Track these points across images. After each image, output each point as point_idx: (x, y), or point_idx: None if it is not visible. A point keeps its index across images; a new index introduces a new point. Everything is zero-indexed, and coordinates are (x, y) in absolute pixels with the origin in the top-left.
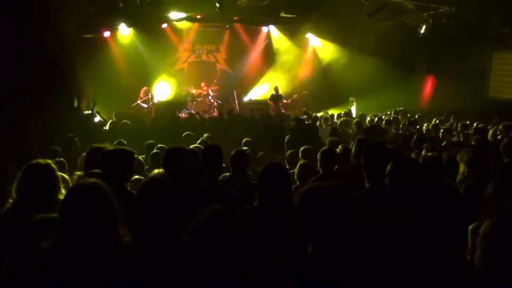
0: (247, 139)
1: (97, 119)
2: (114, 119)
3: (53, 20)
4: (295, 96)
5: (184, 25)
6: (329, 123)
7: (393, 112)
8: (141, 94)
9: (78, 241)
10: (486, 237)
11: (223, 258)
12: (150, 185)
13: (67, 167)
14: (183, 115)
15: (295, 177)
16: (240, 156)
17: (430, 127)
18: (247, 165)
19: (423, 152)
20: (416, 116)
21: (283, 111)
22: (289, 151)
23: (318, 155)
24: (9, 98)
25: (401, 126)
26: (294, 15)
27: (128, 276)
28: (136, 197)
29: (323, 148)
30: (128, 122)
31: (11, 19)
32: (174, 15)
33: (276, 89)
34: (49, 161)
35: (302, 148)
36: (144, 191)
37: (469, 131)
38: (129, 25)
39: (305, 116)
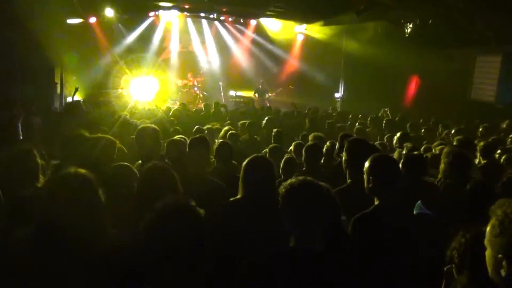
0: (233, 131)
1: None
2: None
3: (37, 3)
4: (280, 89)
5: (172, 14)
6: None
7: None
8: (122, 82)
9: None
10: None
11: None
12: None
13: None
14: (168, 105)
15: (280, 171)
16: (224, 148)
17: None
18: (231, 157)
19: (404, 150)
20: (398, 117)
21: (268, 104)
22: (272, 145)
23: (303, 150)
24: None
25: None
26: (282, 9)
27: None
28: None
29: (308, 143)
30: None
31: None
32: (162, 3)
33: (262, 83)
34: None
35: (295, 142)
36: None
37: (451, 131)
38: (116, 12)
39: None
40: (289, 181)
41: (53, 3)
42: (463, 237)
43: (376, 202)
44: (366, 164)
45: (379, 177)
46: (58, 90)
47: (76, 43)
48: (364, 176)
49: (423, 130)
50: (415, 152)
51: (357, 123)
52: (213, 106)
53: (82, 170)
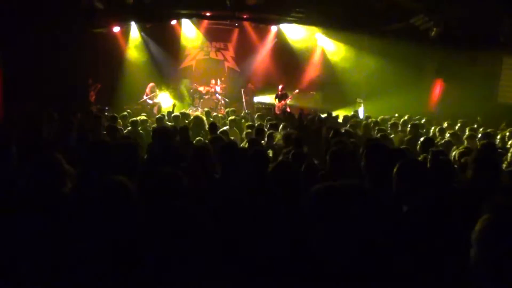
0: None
1: None
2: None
3: (65, 16)
4: (296, 91)
5: (193, 22)
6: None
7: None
8: (147, 90)
9: None
10: (481, 233)
11: None
12: None
13: None
14: (190, 112)
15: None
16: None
17: (437, 130)
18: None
19: (429, 155)
20: (423, 121)
21: (288, 109)
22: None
23: (327, 155)
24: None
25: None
26: (303, 15)
27: None
28: None
29: (332, 148)
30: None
31: (30, 17)
32: (183, 11)
33: (281, 88)
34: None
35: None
36: None
37: (478, 135)
38: (139, 21)
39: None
40: (316, 187)
41: (80, 14)
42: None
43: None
44: (394, 169)
45: (405, 182)
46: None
47: (101, 52)
48: (393, 180)
49: (448, 134)
50: (441, 157)
51: (376, 130)
52: (229, 113)
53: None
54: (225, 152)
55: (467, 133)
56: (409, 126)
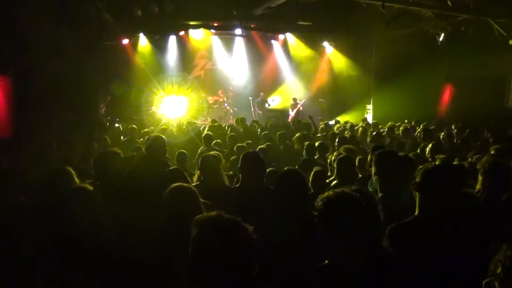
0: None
1: None
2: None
3: (77, 29)
4: (303, 100)
5: (201, 32)
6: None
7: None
8: (156, 102)
9: None
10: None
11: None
12: None
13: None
14: (199, 122)
15: (310, 184)
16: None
17: (446, 136)
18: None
19: (437, 162)
20: (433, 127)
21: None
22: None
23: (335, 162)
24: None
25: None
26: (310, 23)
27: None
28: None
29: (340, 155)
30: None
31: (38, 30)
32: (191, 23)
33: (293, 99)
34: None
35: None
36: None
37: (489, 140)
38: (147, 33)
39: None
40: (326, 193)
41: (89, 28)
42: (509, 249)
43: (416, 212)
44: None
45: (434, 189)
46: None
47: (111, 64)
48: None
49: (459, 141)
50: (454, 162)
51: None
52: (239, 121)
53: None
54: None
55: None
56: (422, 131)
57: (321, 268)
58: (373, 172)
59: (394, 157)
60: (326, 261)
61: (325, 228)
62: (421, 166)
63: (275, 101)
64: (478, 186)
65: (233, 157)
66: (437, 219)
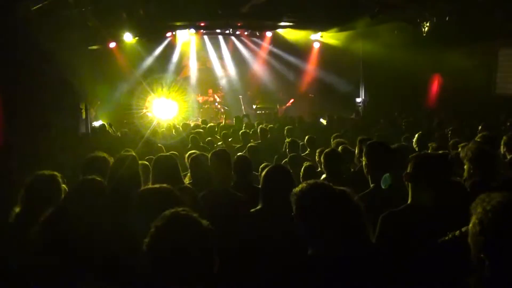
0: (252, 144)
1: None
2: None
3: (58, 33)
4: (292, 100)
5: (188, 33)
6: None
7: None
8: (146, 104)
9: None
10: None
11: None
12: None
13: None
14: (191, 122)
15: (300, 179)
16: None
17: (436, 124)
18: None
19: (430, 150)
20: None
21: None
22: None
23: (321, 157)
24: (20, 109)
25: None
26: (297, 18)
27: None
28: None
29: (326, 149)
30: None
31: (17, 34)
32: (177, 23)
33: (281, 94)
34: (55, 172)
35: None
36: None
37: (478, 128)
38: (134, 36)
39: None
40: (299, 186)
41: (75, 32)
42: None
43: (409, 201)
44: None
45: (419, 175)
46: (83, 115)
47: (98, 68)
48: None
49: (449, 131)
50: (440, 152)
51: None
52: (234, 121)
53: None
54: None
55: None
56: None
57: (302, 260)
58: (363, 163)
59: (384, 147)
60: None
61: (301, 220)
62: (411, 156)
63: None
64: (465, 174)
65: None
66: (428, 207)
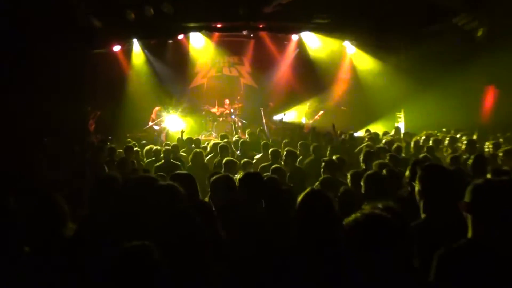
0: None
1: None
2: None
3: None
4: (321, 112)
5: (203, 35)
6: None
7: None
8: (153, 115)
9: None
10: None
11: None
12: None
13: None
14: (202, 137)
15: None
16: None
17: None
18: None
19: (488, 176)
20: (475, 136)
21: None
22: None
23: (362, 180)
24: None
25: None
26: (328, 20)
27: None
28: None
29: (368, 172)
30: None
31: (20, 37)
32: (191, 25)
33: (309, 105)
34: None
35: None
36: None
37: None
38: (141, 38)
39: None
40: (353, 216)
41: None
42: None
43: (469, 235)
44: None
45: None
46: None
47: (102, 75)
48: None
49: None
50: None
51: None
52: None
53: None
54: None
55: None
56: (465, 143)
57: None
58: (416, 189)
59: (444, 172)
60: None
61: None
62: (472, 182)
63: (286, 116)
64: None
65: None
66: (495, 245)
